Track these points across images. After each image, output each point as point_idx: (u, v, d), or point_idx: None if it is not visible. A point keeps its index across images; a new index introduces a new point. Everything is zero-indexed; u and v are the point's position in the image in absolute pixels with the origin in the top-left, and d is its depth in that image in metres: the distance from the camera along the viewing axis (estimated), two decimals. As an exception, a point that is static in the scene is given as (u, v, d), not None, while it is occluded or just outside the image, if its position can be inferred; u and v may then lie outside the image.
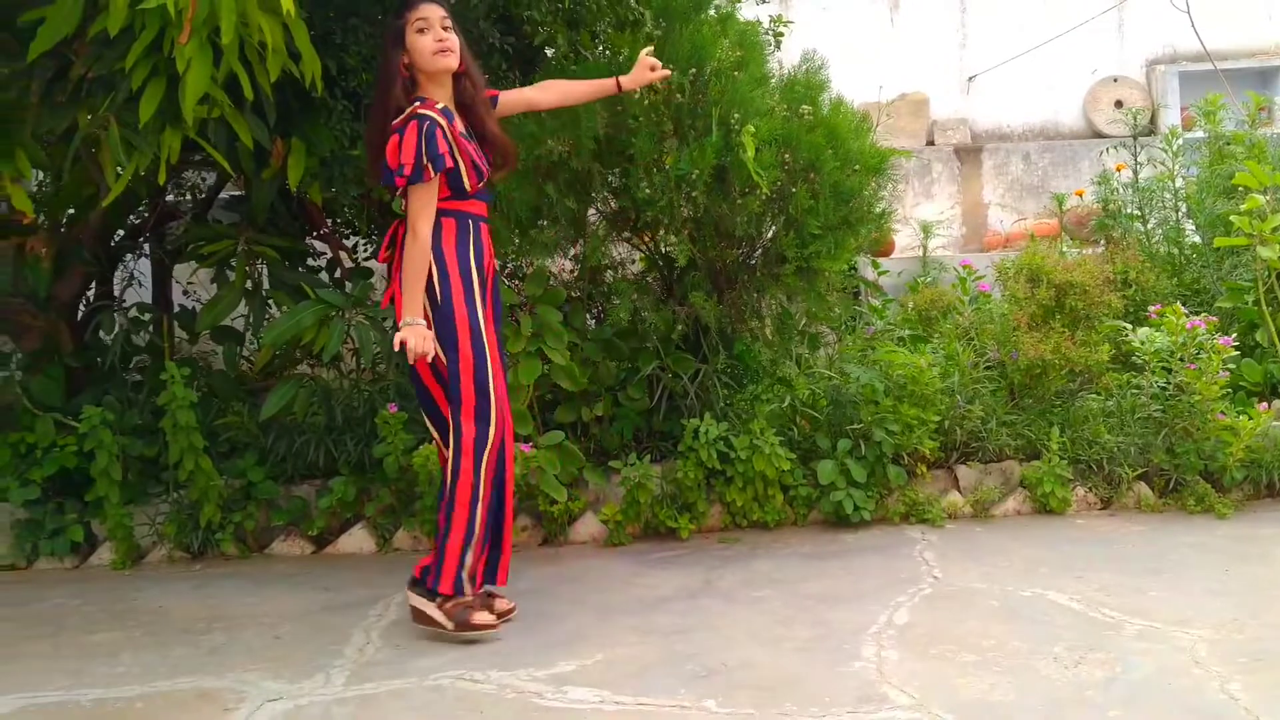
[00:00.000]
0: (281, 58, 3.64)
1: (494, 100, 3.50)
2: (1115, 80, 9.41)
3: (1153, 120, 9.22)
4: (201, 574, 4.17)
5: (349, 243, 4.93)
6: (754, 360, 4.38)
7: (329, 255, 4.81)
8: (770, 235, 4.26)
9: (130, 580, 4.14)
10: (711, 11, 4.57)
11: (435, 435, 3.42)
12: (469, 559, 3.24)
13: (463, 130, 3.28)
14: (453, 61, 3.24)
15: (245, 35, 3.49)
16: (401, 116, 3.19)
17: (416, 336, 3.16)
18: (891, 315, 4.95)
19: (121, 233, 5.07)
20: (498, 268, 3.55)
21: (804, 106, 4.25)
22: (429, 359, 3.22)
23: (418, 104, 3.20)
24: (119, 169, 3.70)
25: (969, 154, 9.32)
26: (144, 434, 4.38)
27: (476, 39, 4.60)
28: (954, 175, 9.27)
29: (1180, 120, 9.02)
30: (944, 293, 4.92)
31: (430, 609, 3.27)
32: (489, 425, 3.21)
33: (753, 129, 3.97)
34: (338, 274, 4.73)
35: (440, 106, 3.23)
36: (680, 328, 4.29)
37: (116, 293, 4.91)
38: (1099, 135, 9.34)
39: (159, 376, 4.21)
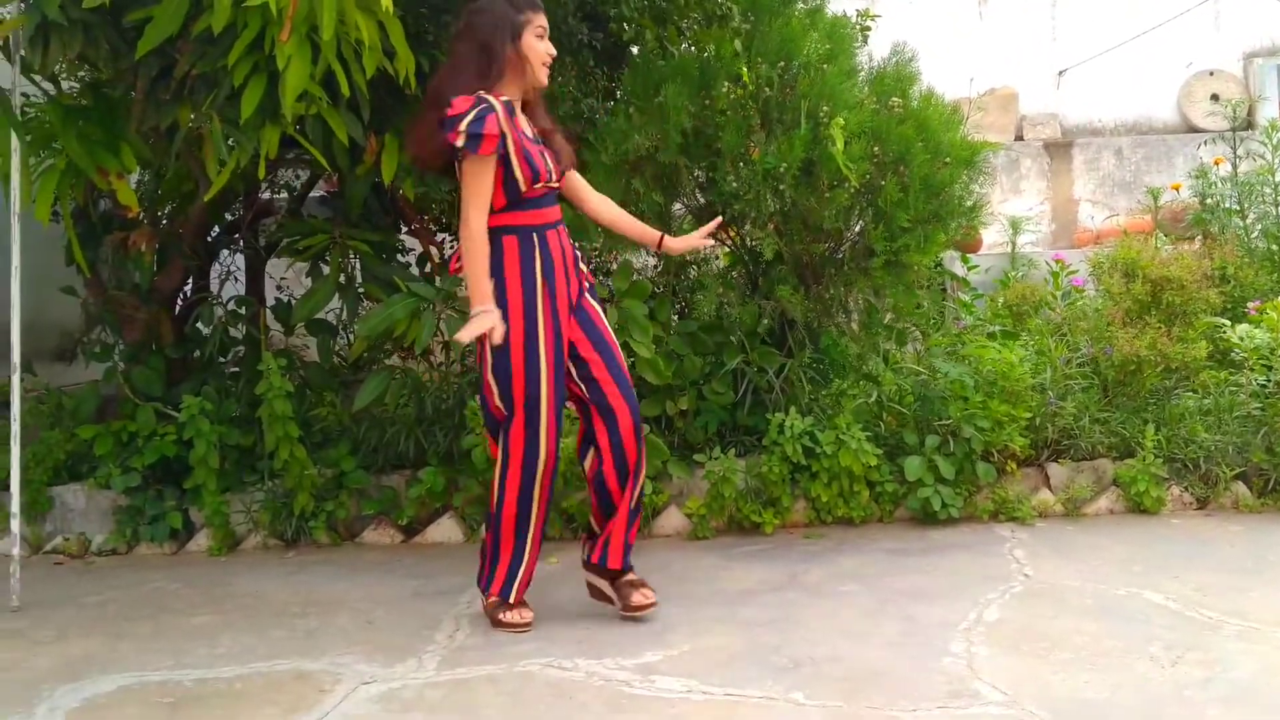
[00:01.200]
0: (377, 55, 3.71)
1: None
2: (1211, 74, 9.19)
3: (1250, 114, 8.98)
4: (295, 561, 4.26)
5: (439, 238, 5.00)
6: (840, 355, 4.36)
7: (419, 250, 4.88)
8: (858, 229, 4.24)
9: (226, 566, 4.25)
10: (800, 5, 4.57)
11: (486, 432, 3.45)
12: (516, 567, 3.31)
13: (529, 134, 3.22)
14: (546, 79, 3.26)
15: (342, 33, 3.57)
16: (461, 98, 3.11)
17: (481, 325, 3.08)
18: (981, 310, 4.89)
19: (218, 229, 5.20)
20: (587, 283, 3.37)
21: (893, 99, 4.23)
22: (497, 342, 3.12)
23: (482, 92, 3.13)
24: (220, 164, 3.80)
25: (1059, 149, 9.16)
26: (241, 423, 4.49)
27: (566, 35, 4.65)
28: (1043, 171, 9.12)
29: (1279, 113, 8.79)
30: (1035, 288, 4.84)
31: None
32: (537, 445, 3.19)
33: (842, 122, 3.96)
34: (428, 268, 4.80)
35: (505, 99, 3.14)
36: (766, 322, 4.29)
37: (214, 287, 5.05)
38: (1194, 130, 9.12)
39: (255, 368, 4.32)
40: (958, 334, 4.66)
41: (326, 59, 3.56)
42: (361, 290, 4.53)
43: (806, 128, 4.06)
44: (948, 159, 4.15)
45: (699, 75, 4.28)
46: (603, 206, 3.52)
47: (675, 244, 3.52)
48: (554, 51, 3.22)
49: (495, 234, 3.16)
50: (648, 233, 3.54)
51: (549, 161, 3.23)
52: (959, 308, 4.85)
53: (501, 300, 3.14)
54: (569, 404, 3.32)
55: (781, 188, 4.05)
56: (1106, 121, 9.42)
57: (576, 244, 3.45)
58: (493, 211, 3.16)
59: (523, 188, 3.15)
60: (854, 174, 3.95)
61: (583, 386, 3.27)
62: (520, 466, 3.21)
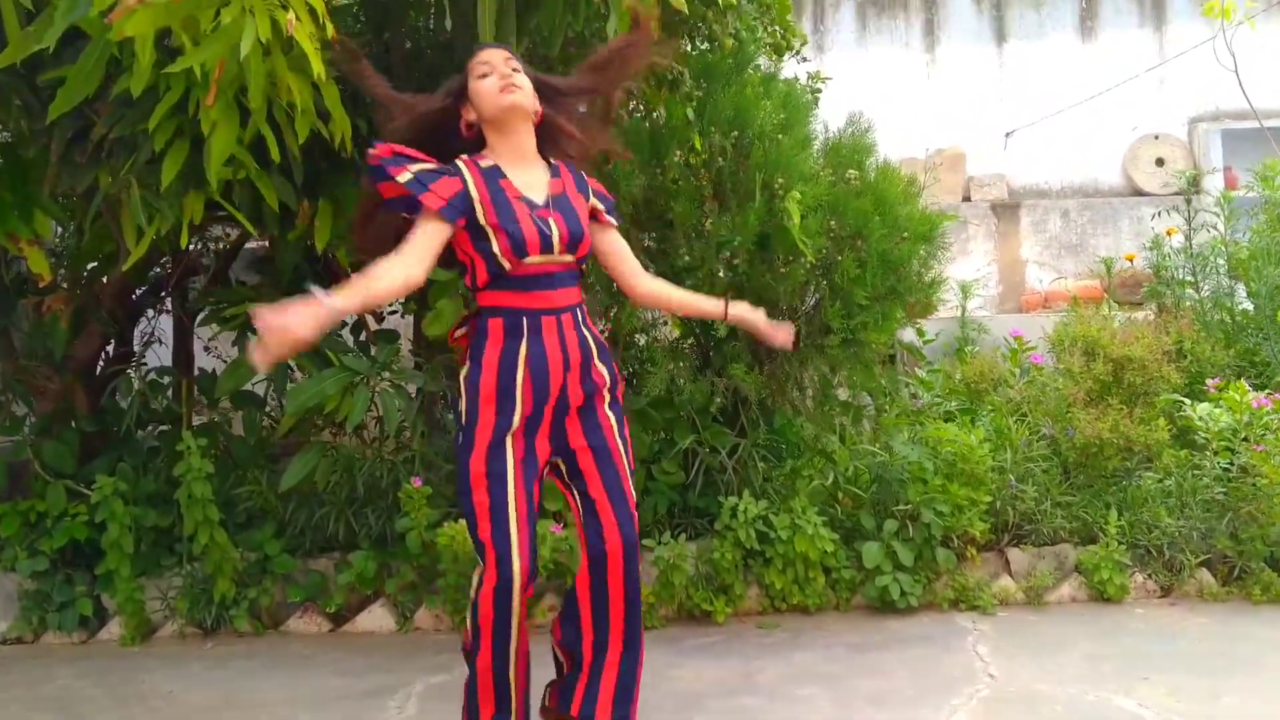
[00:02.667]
0: (310, 119, 3.51)
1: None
2: (1157, 138, 9.23)
3: (1195, 180, 9.04)
4: (213, 653, 3.98)
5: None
6: (795, 435, 4.18)
7: (354, 317, 4.65)
8: (813, 304, 4.08)
9: (140, 659, 3.96)
10: (751, 71, 4.43)
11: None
12: (477, 704, 2.65)
13: (534, 197, 2.63)
14: (521, 99, 2.64)
15: (273, 95, 3.36)
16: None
17: (273, 328, 2.20)
18: (937, 386, 4.74)
19: (143, 288, 4.93)
20: (607, 379, 2.73)
21: (850, 171, 4.09)
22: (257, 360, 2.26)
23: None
24: (139, 232, 3.56)
25: (1006, 210, 9.13)
26: (159, 502, 4.22)
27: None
28: (991, 232, 9.08)
29: (1224, 180, 8.84)
30: (993, 364, 4.71)
31: None
32: (494, 573, 2.50)
33: (798, 195, 3.81)
34: (363, 336, 4.58)
35: (488, 164, 2.65)
36: (718, 400, 4.10)
37: (138, 349, 4.78)
38: (1139, 193, 9.14)
39: (175, 446, 4.05)
40: (915, 412, 4.50)
41: (256, 124, 3.36)
42: (291, 362, 4.28)
43: (761, 200, 3.91)
44: (905, 233, 4.01)
45: (649, 142, 4.12)
46: (655, 289, 2.92)
47: (743, 314, 2.92)
48: (508, 74, 2.64)
49: (480, 315, 2.66)
50: (711, 307, 2.95)
51: (553, 228, 2.63)
52: (915, 384, 4.70)
53: (473, 398, 2.60)
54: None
55: (735, 261, 3.88)
56: (1053, 183, 9.42)
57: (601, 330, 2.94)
58: (476, 289, 2.66)
59: (504, 262, 2.59)
60: (810, 250, 3.80)
61: (576, 498, 2.71)
62: (492, 591, 2.53)
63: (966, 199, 9.25)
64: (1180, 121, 9.26)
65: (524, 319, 2.61)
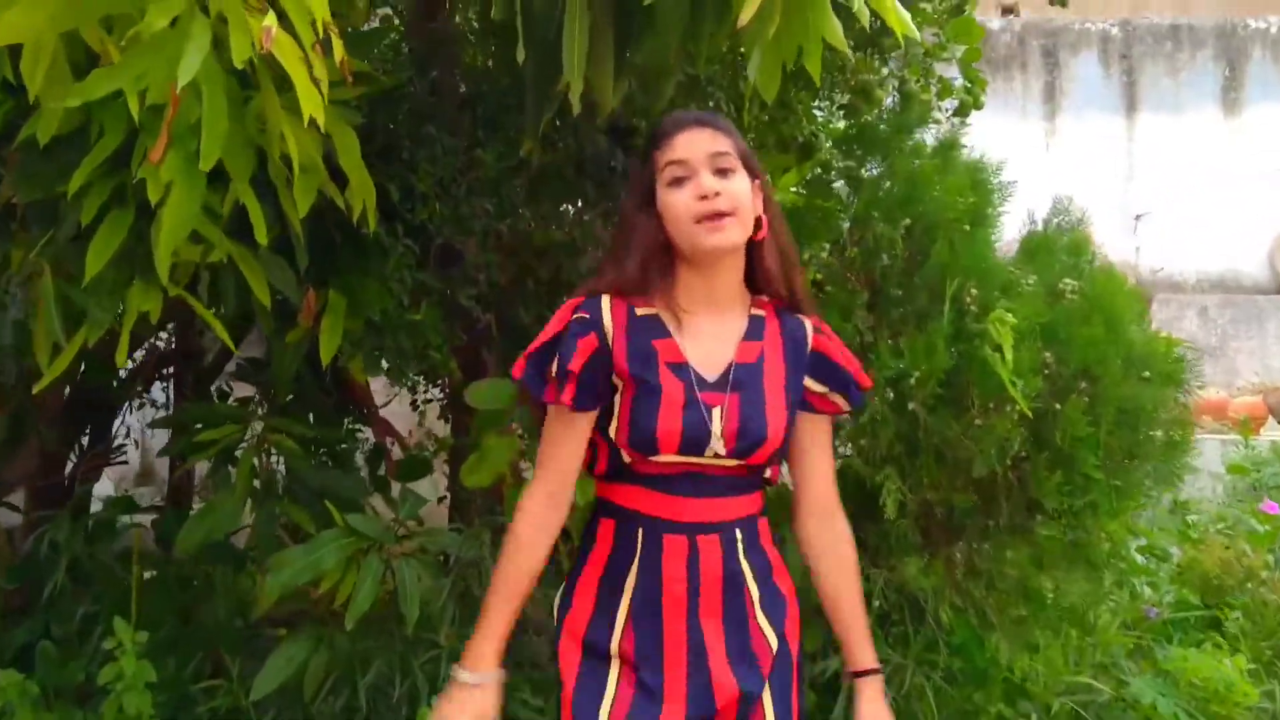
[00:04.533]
0: (319, 180, 2.46)
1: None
2: (1309, 227, 8.05)
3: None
4: None
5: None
6: (984, 657, 2.97)
7: (372, 440, 3.54)
8: (1013, 466, 2.89)
9: None
10: (919, 138, 3.30)
11: None
12: None
13: (688, 366, 1.78)
14: (733, 238, 1.78)
15: (264, 144, 2.29)
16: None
17: (450, 711, 1.77)
18: (1165, 587, 3.48)
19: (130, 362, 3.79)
20: (773, 647, 1.83)
21: (1067, 281, 2.93)
22: None
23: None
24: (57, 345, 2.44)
25: (1136, 305, 7.96)
26: (93, 691, 3.07)
27: (593, 159, 3.40)
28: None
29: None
30: (1237, 552, 3.49)
31: None
32: None
33: (1010, 317, 2.65)
34: (381, 470, 3.46)
35: (646, 313, 1.80)
36: (876, 602, 2.88)
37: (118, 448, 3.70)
38: (1288, 290, 7.96)
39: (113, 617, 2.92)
40: (1145, 626, 3.28)
41: (236, 190, 2.28)
42: (280, 509, 3.13)
43: (949, 318, 2.76)
44: (1147, 372, 2.84)
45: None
46: (830, 558, 1.95)
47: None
48: (711, 191, 1.75)
49: (595, 510, 1.91)
50: (853, 648, 1.93)
51: (714, 421, 1.76)
52: (1141, 581, 3.47)
53: (559, 632, 1.84)
54: None
55: (911, 407, 2.72)
56: (1189, 274, 8.25)
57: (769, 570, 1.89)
58: (595, 476, 1.90)
59: (627, 459, 1.79)
60: (1023, 397, 2.63)
61: None
62: None
63: (1089, 290, 8.10)
64: (1335, 208, 8.08)
65: (640, 527, 1.80)
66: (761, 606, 1.83)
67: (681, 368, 1.77)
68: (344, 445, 3.44)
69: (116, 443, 4.00)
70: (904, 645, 2.96)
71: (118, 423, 3.98)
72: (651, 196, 1.80)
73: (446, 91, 3.34)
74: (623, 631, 1.79)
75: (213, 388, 3.70)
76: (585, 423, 1.81)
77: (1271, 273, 8.11)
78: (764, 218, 1.83)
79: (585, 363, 1.75)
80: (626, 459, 1.78)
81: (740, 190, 1.78)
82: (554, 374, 1.76)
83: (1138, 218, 8.13)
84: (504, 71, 3.25)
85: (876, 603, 2.90)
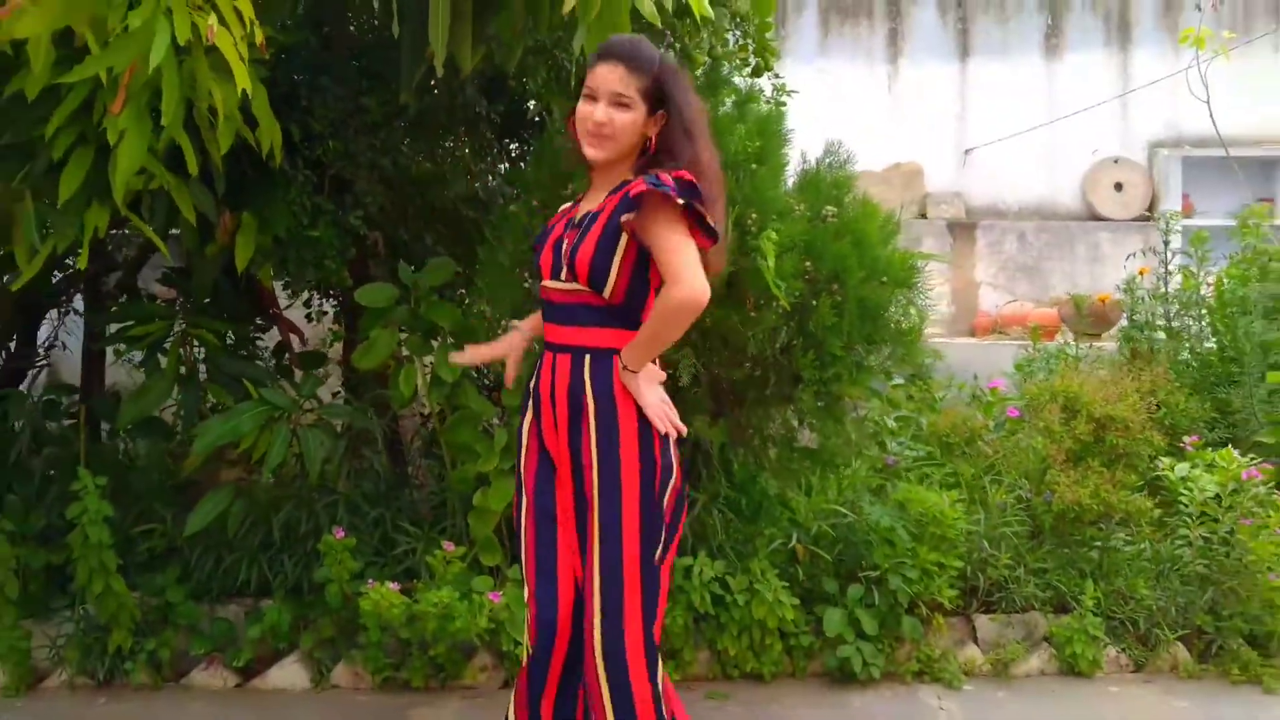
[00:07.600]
0: (235, 125, 3.12)
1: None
2: (1116, 162, 9.05)
3: (1152, 206, 8.90)
4: (105, 710, 3.58)
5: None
6: (758, 491, 3.86)
7: (277, 338, 4.25)
8: (781, 349, 3.75)
9: (21, 713, 3.54)
10: (725, 90, 4.09)
11: None
12: None
13: (574, 219, 2.47)
14: (604, 154, 2.40)
15: (194, 98, 2.97)
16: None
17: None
18: (904, 439, 4.41)
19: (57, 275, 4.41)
20: (594, 460, 2.39)
21: (828, 208, 3.77)
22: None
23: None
24: (33, 249, 3.13)
25: (962, 230, 8.91)
26: (52, 537, 3.79)
27: (461, 106, 4.11)
28: (946, 251, 8.85)
29: (1180, 206, 8.71)
30: (966, 417, 4.43)
31: None
32: (537, 612, 2.47)
33: (774, 235, 3.48)
34: (286, 358, 4.18)
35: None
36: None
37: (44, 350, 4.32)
38: (1096, 218, 8.97)
39: (70, 480, 3.62)
40: (883, 468, 4.20)
41: (171, 133, 2.96)
42: (205, 389, 3.86)
43: (733, 237, 3.57)
44: (884, 277, 3.71)
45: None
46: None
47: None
48: (597, 116, 2.36)
49: None
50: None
51: (558, 254, 2.43)
52: (884, 431, 4.38)
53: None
54: None
55: (702, 303, 3.54)
56: (1010, 204, 9.20)
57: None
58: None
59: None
60: (784, 294, 3.47)
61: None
62: (533, 625, 2.50)
63: (923, 215, 9.02)
64: (1140, 146, 9.09)
65: (540, 348, 2.55)
66: (594, 422, 2.38)
67: (570, 219, 2.49)
68: (256, 339, 4.15)
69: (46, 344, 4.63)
70: (698, 483, 3.83)
71: (45, 329, 4.60)
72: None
73: (338, 43, 4.03)
74: (529, 427, 2.52)
75: (137, 294, 4.33)
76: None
77: (1083, 202, 9.13)
78: (652, 137, 2.39)
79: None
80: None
81: (624, 121, 2.35)
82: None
83: (967, 152, 9.08)
84: (385, 30, 3.94)
85: (676, 453, 3.76)
